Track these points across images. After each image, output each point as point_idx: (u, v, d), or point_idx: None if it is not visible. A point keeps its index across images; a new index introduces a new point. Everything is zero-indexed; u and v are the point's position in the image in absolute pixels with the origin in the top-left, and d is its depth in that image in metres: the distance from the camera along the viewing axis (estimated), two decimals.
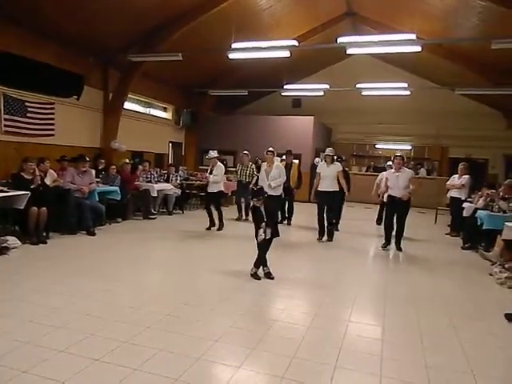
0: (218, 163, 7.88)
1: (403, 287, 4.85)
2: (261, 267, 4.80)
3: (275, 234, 4.78)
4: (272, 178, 7.24)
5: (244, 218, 9.22)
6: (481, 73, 11.00)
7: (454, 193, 8.48)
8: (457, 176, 8.55)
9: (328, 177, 6.94)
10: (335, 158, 8.01)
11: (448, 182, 8.75)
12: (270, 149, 7.49)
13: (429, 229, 9.51)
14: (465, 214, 7.71)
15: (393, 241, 6.86)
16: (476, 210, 7.30)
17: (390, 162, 8.45)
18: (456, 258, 6.61)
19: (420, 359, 2.99)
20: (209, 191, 7.90)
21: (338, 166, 7.05)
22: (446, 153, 15.90)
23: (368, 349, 3.14)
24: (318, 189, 7.05)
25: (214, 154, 7.93)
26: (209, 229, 7.71)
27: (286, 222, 8.85)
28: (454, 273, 5.76)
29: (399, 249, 6.74)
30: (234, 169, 10.82)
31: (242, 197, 9.32)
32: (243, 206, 9.31)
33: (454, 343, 3.31)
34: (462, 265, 6.21)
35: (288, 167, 8.49)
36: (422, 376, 2.76)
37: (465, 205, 7.90)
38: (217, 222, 7.81)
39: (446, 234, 8.68)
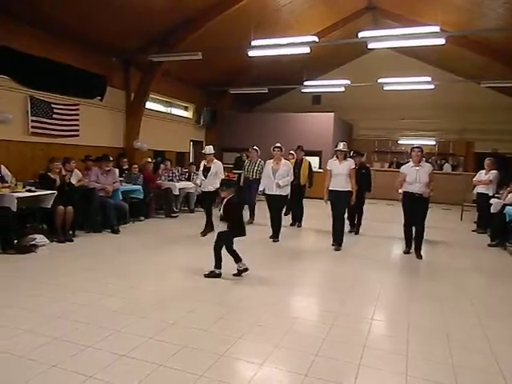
0: (215, 160, 7.38)
1: (428, 286, 4.74)
2: (240, 261, 4.64)
3: (242, 232, 4.68)
4: (280, 177, 6.72)
5: (251, 220, 8.43)
6: (508, 64, 10.61)
7: (480, 189, 8.26)
8: (484, 171, 8.33)
9: (340, 174, 6.20)
10: (351, 153, 7.55)
11: (475, 178, 8.53)
12: (278, 144, 6.97)
13: (455, 225, 9.28)
14: (492, 210, 7.49)
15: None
16: (504, 205, 7.08)
17: None
18: (483, 256, 6.44)
19: (447, 358, 2.93)
20: (205, 190, 7.21)
21: (351, 163, 6.30)
22: (472, 148, 15.49)
23: (393, 347, 3.10)
24: (330, 188, 6.31)
25: (211, 149, 7.41)
26: (204, 234, 7.01)
27: (296, 224, 8.29)
28: (481, 271, 5.61)
29: (419, 256, 5.96)
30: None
31: (249, 196, 8.55)
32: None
33: (481, 342, 3.23)
34: (490, 263, 6.05)
35: (298, 164, 8.07)
36: (449, 375, 2.70)
37: (492, 201, 7.68)
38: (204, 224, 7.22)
39: (473, 230, 8.46)
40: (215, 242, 4.63)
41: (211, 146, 7.57)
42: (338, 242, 6.36)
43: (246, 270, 4.65)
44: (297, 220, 8.34)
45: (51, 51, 8.10)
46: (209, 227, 7.16)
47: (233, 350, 2.93)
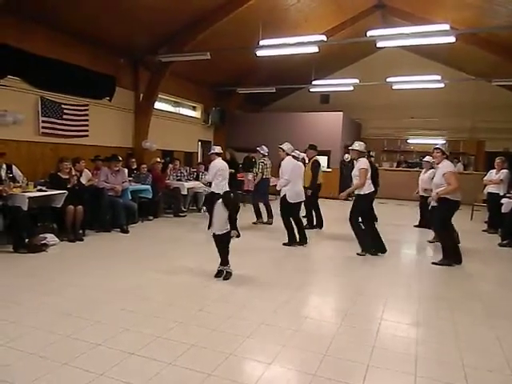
0: (214, 162, 7.35)
1: (437, 287, 4.72)
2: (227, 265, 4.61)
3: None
4: (280, 177, 6.57)
5: (263, 220, 8.38)
6: None
7: (491, 188, 8.17)
8: (494, 171, 8.24)
9: (354, 177, 6.02)
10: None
11: (485, 178, 8.44)
12: (280, 145, 6.82)
13: (465, 226, 9.16)
14: (503, 210, 7.40)
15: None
16: None
17: (427, 158, 7.92)
18: (494, 256, 6.37)
19: (457, 359, 2.90)
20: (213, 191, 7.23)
21: (359, 164, 5.96)
22: (482, 147, 15.30)
23: (402, 348, 3.08)
24: None
25: (216, 149, 7.32)
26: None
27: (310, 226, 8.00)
28: (492, 271, 5.55)
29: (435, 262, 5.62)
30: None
31: (254, 196, 8.60)
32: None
33: (492, 343, 3.19)
34: (500, 263, 5.98)
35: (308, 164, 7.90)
36: (459, 376, 2.68)
37: (503, 200, 7.58)
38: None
39: (483, 230, 8.38)
40: (226, 241, 4.58)
41: (213, 146, 7.54)
42: (362, 248, 6.03)
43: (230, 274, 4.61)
44: (309, 222, 8.10)
45: (61, 52, 8.18)
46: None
47: (241, 349, 2.93)
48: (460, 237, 6.36)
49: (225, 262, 4.61)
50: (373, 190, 6.02)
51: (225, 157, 9.38)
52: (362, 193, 5.92)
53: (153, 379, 2.51)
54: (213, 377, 2.56)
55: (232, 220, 4.44)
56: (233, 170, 9.16)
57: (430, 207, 5.93)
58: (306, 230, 6.72)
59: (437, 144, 6.05)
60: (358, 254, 5.97)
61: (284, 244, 6.54)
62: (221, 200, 4.44)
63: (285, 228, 6.62)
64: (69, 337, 3.03)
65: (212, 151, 7.52)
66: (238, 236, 4.50)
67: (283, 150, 6.74)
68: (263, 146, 8.52)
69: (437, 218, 5.68)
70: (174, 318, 3.45)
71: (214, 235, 4.56)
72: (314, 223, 8.10)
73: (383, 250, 6.01)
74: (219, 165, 7.34)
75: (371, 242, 6.02)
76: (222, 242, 4.56)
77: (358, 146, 6.06)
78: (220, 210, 4.42)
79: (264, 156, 8.45)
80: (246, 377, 2.63)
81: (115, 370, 2.59)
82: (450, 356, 2.95)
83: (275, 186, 7.05)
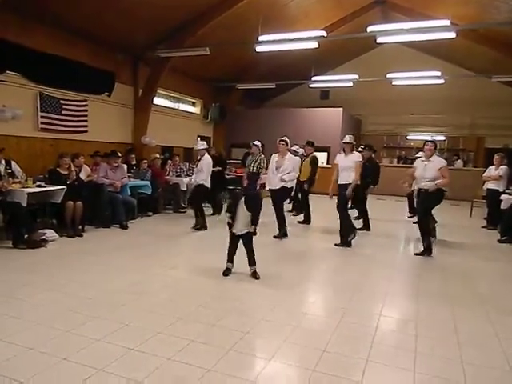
0: (204, 156, 7.19)
1: (436, 283, 4.72)
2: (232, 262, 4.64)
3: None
4: (284, 171, 6.52)
5: None
6: None
7: (490, 184, 8.17)
8: (493, 167, 8.24)
9: (344, 168, 6.10)
10: (362, 147, 7.60)
11: (485, 174, 8.44)
12: (283, 138, 6.76)
13: (464, 222, 9.20)
14: (503, 206, 7.41)
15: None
16: None
17: (420, 154, 8.01)
18: (493, 252, 6.37)
19: (456, 355, 2.91)
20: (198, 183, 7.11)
21: (356, 156, 6.13)
22: (482, 143, 15.29)
23: (401, 343, 3.09)
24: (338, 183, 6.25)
25: (201, 144, 7.29)
26: (196, 228, 7.07)
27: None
28: (491, 267, 5.56)
29: (418, 252, 5.93)
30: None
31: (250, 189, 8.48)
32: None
33: (491, 339, 3.20)
34: (499, 259, 5.98)
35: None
36: (458, 372, 2.69)
37: (502, 197, 7.59)
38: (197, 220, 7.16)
39: (483, 227, 8.39)
40: (250, 242, 4.57)
41: (201, 142, 7.49)
42: (342, 238, 6.23)
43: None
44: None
45: (61, 48, 8.15)
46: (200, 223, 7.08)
47: (241, 345, 2.94)
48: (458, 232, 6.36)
49: (252, 261, 4.54)
50: (350, 182, 6.08)
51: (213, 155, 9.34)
52: (343, 182, 6.13)
53: (152, 374, 2.52)
54: (212, 372, 2.57)
55: (254, 217, 4.41)
56: (219, 168, 9.11)
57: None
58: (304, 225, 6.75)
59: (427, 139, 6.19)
60: (335, 244, 6.23)
61: (276, 237, 6.63)
62: (243, 199, 4.40)
63: (279, 220, 6.67)
64: (69, 332, 3.04)
65: (201, 147, 7.43)
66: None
67: (286, 144, 6.72)
68: (257, 142, 8.49)
69: (423, 206, 5.93)
70: (173, 313, 3.45)
71: (234, 235, 4.52)
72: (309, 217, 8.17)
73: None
74: (209, 159, 7.23)
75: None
76: (247, 243, 4.51)
77: (352, 139, 6.25)
78: (243, 210, 4.38)
79: (260, 151, 8.43)
80: (245, 372, 2.63)
81: (114, 365, 2.60)
82: (449, 352, 2.96)
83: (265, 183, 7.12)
